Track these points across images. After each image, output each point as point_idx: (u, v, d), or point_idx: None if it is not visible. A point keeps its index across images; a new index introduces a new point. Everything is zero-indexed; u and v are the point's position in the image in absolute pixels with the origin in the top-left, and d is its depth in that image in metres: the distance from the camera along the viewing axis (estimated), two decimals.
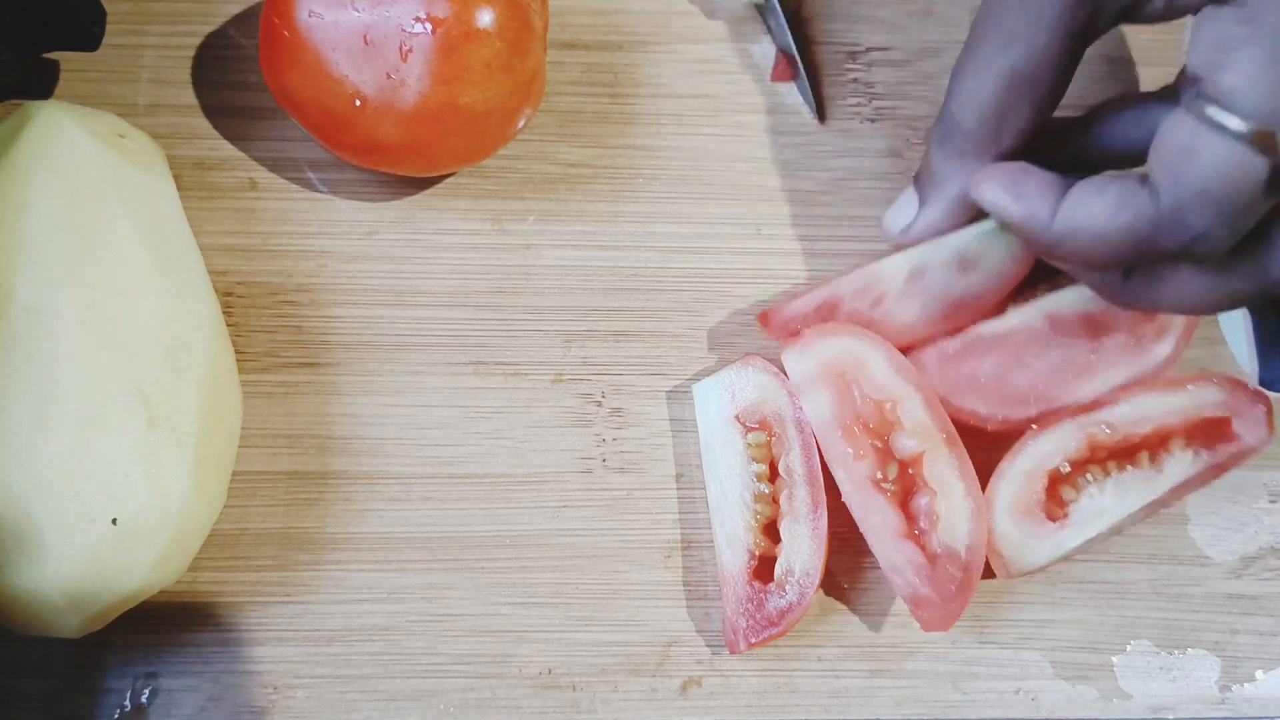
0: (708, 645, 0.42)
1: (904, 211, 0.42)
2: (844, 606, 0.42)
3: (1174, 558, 0.43)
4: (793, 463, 0.41)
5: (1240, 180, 0.32)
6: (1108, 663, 0.42)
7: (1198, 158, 0.33)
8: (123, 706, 0.40)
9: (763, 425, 0.42)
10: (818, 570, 0.39)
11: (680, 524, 0.43)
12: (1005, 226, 0.40)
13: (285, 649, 0.40)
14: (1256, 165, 0.32)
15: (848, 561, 0.42)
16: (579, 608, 0.42)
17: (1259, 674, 0.42)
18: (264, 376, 0.43)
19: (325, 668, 0.40)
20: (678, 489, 0.43)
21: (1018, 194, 0.38)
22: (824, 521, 0.40)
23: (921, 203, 0.41)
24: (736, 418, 0.42)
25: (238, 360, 0.42)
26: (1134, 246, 0.35)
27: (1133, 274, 0.38)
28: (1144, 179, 0.35)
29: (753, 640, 0.39)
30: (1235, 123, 0.32)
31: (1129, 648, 0.42)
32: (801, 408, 0.41)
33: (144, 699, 0.40)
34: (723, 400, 0.42)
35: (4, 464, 0.35)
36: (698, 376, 0.44)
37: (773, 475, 0.41)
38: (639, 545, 0.42)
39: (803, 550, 0.40)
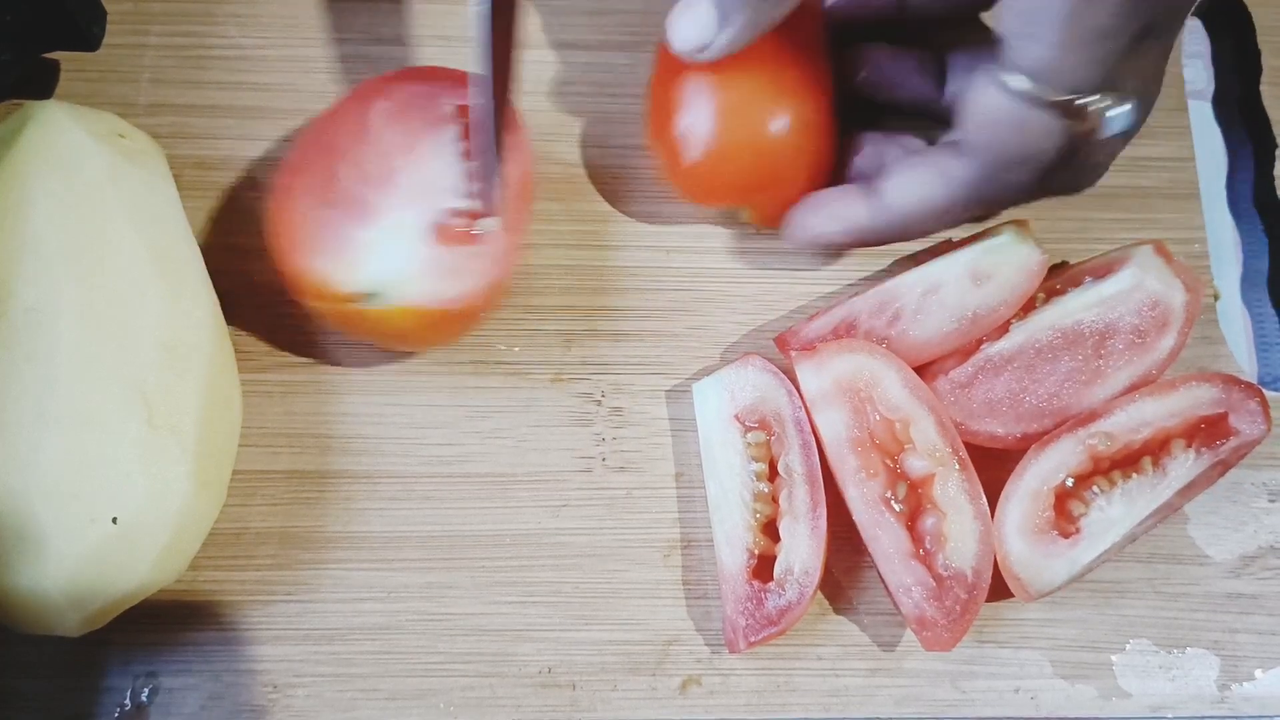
0: (707, 644, 0.42)
1: (699, 26, 0.38)
2: (844, 606, 0.42)
3: (1173, 557, 0.43)
4: (792, 462, 0.41)
5: (1046, 140, 0.37)
6: (1107, 662, 0.42)
7: (1009, 125, 0.37)
8: (123, 705, 0.40)
9: (762, 424, 0.42)
10: (817, 569, 0.39)
11: (680, 523, 0.43)
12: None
13: (285, 648, 0.41)
14: (1058, 126, 0.37)
15: (848, 561, 0.42)
16: (579, 607, 0.42)
17: (1258, 673, 0.42)
18: (264, 376, 0.43)
19: (325, 666, 0.40)
20: (677, 488, 0.43)
21: (830, 217, 0.41)
22: (823, 521, 0.40)
23: (723, 20, 0.38)
24: (736, 417, 0.42)
25: (238, 360, 0.42)
26: (964, 208, 0.40)
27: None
28: (952, 147, 0.39)
29: (752, 639, 0.39)
30: (1041, 90, 0.36)
31: (1128, 647, 0.42)
32: (801, 407, 0.41)
33: (144, 698, 0.40)
34: (722, 399, 0.42)
35: (4, 464, 0.35)
36: (697, 376, 0.44)
37: (772, 474, 0.41)
38: (638, 544, 0.42)
39: (802, 549, 0.40)
